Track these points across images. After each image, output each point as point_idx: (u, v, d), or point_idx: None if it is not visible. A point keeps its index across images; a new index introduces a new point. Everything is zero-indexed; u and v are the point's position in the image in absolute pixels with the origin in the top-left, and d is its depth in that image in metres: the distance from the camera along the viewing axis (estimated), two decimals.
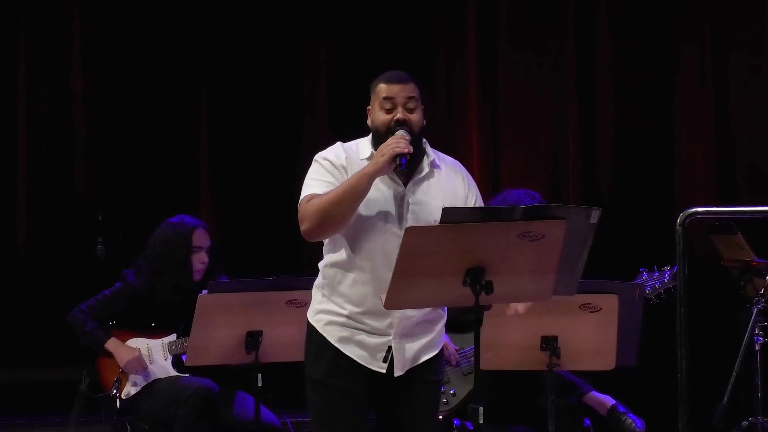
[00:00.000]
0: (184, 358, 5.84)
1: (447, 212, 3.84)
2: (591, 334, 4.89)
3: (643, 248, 7.02)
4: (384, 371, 4.21)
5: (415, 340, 4.25)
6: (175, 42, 8.10)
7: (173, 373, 6.03)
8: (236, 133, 8.15)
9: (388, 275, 3.92)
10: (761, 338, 5.90)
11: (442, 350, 4.38)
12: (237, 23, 8.14)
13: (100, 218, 7.22)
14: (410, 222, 4.16)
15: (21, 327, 7.79)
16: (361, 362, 4.22)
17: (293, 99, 8.15)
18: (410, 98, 4.21)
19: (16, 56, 8.03)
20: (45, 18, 8.05)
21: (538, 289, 4.03)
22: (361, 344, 4.21)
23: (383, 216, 4.17)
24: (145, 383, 6.01)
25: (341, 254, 4.22)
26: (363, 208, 4.14)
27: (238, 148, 8.14)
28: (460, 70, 7.97)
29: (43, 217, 8.00)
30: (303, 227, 4.16)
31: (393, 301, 3.96)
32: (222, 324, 5.26)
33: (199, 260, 6.09)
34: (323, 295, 4.29)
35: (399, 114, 4.20)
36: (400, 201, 4.20)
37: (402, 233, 3.96)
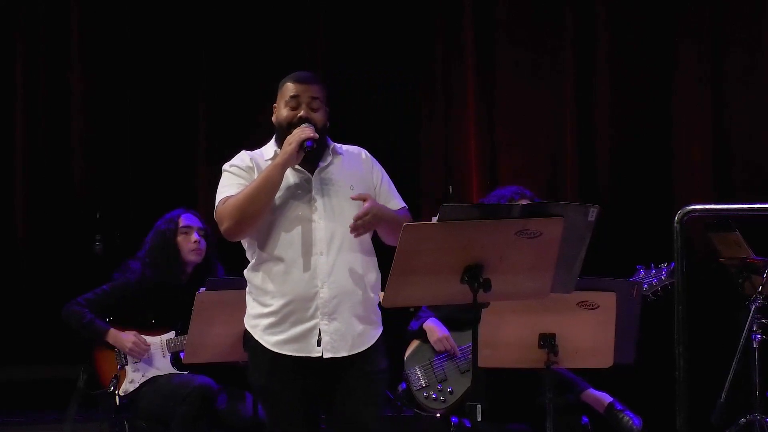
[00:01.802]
0: (182, 355, 5.84)
1: (445, 209, 3.86)
2: (589, 332, 4.88)
3: (640, 246, 7.02)
4: (320, 355, 4.23)
5: (343, 321, 4.26)
6: (174, 41, 8.11)
7: (172, 370, 6.03)
8: (235, 132, 8.15)
9: (309, 259, 4.14)
10: (759, 336, 5.90)
11: (379, 341, 4.36)
12: (237, 23, 8.14)
13: (98, 215, 7.22)
14: (321, 205, 4.28)
15: (19, 324, 7.79)
16: (298, 354, 4.24)
17: None
18: (314, 98, 4.37)
19: (15, 53, 8.04)
20: (44, 16, 8.06)
21: (536, 286, 4.04)
22: (293, 336, 4.25)
23: (294, 205, 4.30)
24: (143, 380, 6.02)
25: (259, 252, 4.32)
26: (274, 201, 4.26)
27: (236, 146, 8.11)
28: (457, 68, 7.97)
29: (41, 214, 8.01)
30: (223, 227, 4.30)
31: (391, 299, 3.97)
32: (220, 321, 5.26)
33: (190, 240, 6.10)
34: (252, 299, 4.36)
35: (302, 111, 4.35)
36: (308, 188, 4.32)
37: (314, 217, 4.21)
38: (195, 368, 5.88)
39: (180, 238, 6.12)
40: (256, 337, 4.32)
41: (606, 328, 4.89)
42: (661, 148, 7.58)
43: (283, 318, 4.27)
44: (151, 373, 6.03)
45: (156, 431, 5.96)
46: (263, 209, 4.24)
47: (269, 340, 4.28)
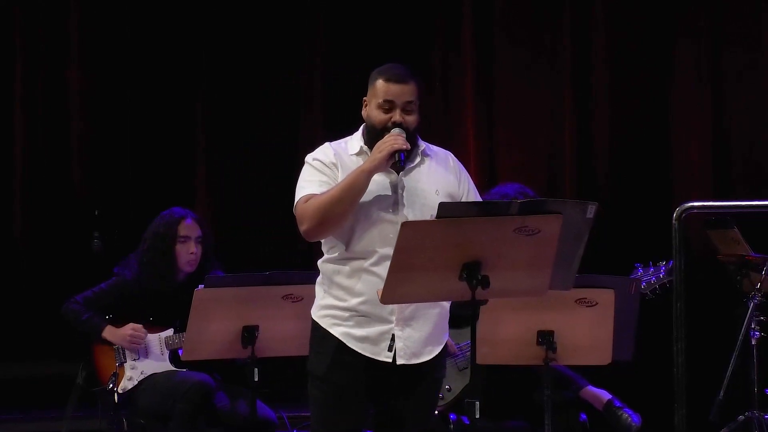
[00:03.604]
0: (180, 352, 5.85)
1: (443, 207, 3.86)
2: (587, 329, 4.89)
3: (639, 243, 7.03)
4: (390, 360, 4.21)
5: (418, 328, 4.25)
6: (174, 41, 8.10)
7: (170, 367, 6.03)
8: (234, 130, 8.15)
9: (388, 262, 3.98)
10: (757, 333, 5.90)
11: (445, 347, 4.39)
12: (237, 22, 8.13)
13: (96, 213, 7.21)
14: (406, 208, 4.22)
15: (18, 321, 7.79)
16: (366, 354, 4.22)
17: (291, 97, 8.16)
18: (409, 102, 4.25)
19: (14, 53, 8.03)
20: (43, 14, 8.04)
21: (535, 283, 4.04)
22: (364, 336, 4.23)
23: (379, 205, 4.21)
24: (142, 377, 6.02)
25: (339, 248, 4.26)
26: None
27: (235, 144, 8.14)
28: (456, 66, 7.97)
29: (40, 211, 8.01)
30: (303, 227, 4.21)
31: (389, 296, 3.98)
32: (218, 318, 5.26)
33: (188, 250, 6.10)
34: (324, 291, 4.32)
35: (397, 116, 4.24)
36: (395, 189, 4.24)
37: (398, 220, 4.09)
38: (193, 365, 5.88)
39: (178, 247, 6.11)
40: (325, 326, 4.27)
41: (604, 325, 4.89)
42: (659, 147, 7.59)
43: (357, 316, 4.22)
44: (150, 370, 6.03)
45: (154, 428, 5.97)
46: (346, 214, 4.16)
47: (338, 330, 4.24)
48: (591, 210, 3.99)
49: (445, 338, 4.39)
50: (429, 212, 4.19)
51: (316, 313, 4.34)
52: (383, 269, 4.07)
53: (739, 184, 7.40)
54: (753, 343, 5.92)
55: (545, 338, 4.87)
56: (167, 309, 6.03)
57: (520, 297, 4.48)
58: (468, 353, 5.52)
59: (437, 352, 4.32)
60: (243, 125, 8.15)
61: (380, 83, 4.28)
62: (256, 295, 5.24)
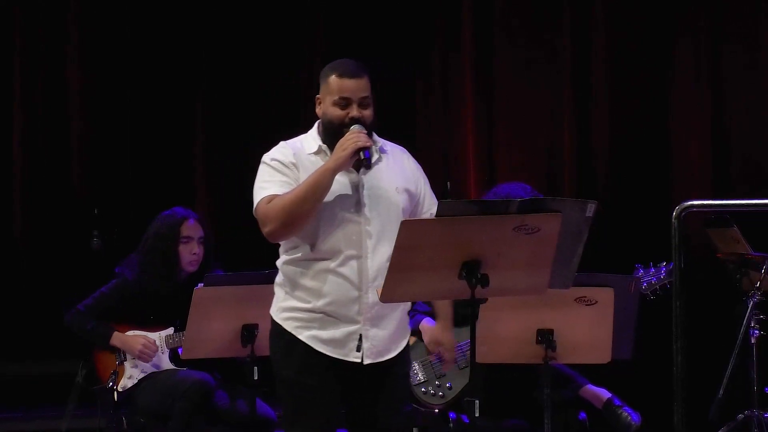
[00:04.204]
0: (180, 351, 5.85)
1: (443, 206, 3.87)
2: (587, 328, 4.89)
3: (639, 242, 7.04)
4: (359, 360, 4.21)
5: (384, 327, 4.25)
6: (174, 41, 8.11)
7: (170, 366, 6.04)
8: (234, 130, 8.16)
9: (355, 261, 4.07)
10: (757, 332, 5.90)
11: (408, 343, 4.38)
12: (237, 22, 8.14)
13: (96, 212, 7.22)
14: (368, 207, 4.21)
15: (18, 320, 7.80)
16: (335, 355, 4.21)
17: (291, 97, 8.15)
18: (365, 97, 4.24)
19: (13, 52, 8.04)
20: (43, 14, 8.05)
21: (534, 282, 4.04)
22: (332, 338, 4.21)
23: (342, 205, 4.20)
24: (142, 376, 6.02)
25: (303, 249, 4.23)
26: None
27: (235, 144, 8.14)
28: (456, 66, 7.98)
29: (40, 210, 8.01)
30: (267, 229, 4.19)
31: (389, 295, 3.98)
32: (218, 317, 5.26)
33: (190, 251, 6.09)
34: (285, 293, 4.29)
35: (354, 112, 4.22)
36: (356, 188, 4.22)
37: (361, 220, 4.12)
38: (193, 364, 5.88)
39: (180, 248, 6.10)
40: (290, 329, 4.24)
41: (604, 324, 4.89)
42: (659, 146, 7.59)
43: (322, 317, 4.21)
44: (150, 369, 6.03)
45: (154, 427, 5.97)
46: (311, 214, 4.13)
47: (305, 334, 4.22)
48: (590, 209, 3.99)
49: (408, 332, 4.38)
50: (392, 210, 4.22)
51: (278, 315, 4.30)
52: (349, 270, 4.13)
53: (738, 183, 7.41)
54: (752, 341, 5.92)
55: (545, 337, 4.87)
56: (167, 308, 6.03)
57: (519, 296, 4.47)
58: (468, 352, 5.52)
59: (402, 347, 4.32)
60: (243, 125, 8.16)
61: (334, 79, 4.27)
62: (256, 293, 5.22)
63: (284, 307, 4.29)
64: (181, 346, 5.88)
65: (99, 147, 8.09)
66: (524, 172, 7.52)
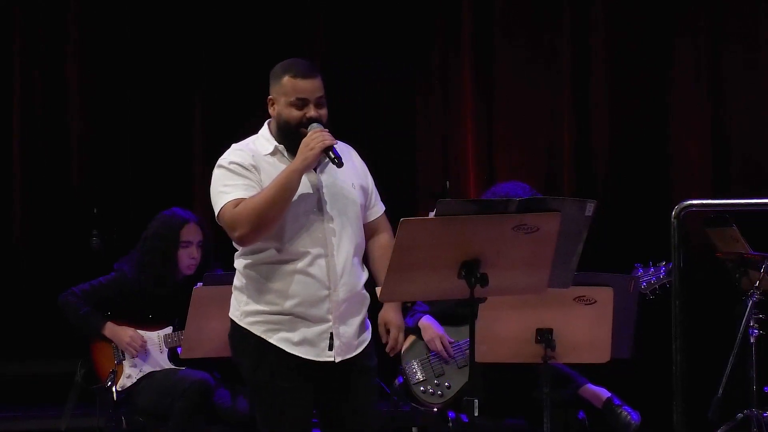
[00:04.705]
0: (179, 350, 5.85)
1: (442, 205, 3.86)
2: (586, 327, 4.89)
3: (638, 241, 7.04)
4: (332, 359, 4.20)
5: (350, 323, 4.25)
6: (174, 40, 8.11)
7: (169, 365, 6.04)
8: (234, 130, 8.12)
9: (321, 260, 4.09)
10: (756, 331, 5.90)
11: (371, 337, 4.37)
12: (237, 22, 8.14)
13: (95, 211, 7.22)
14: (329, 206, 4.21)
15: (17, 319, 7.80)
16: (308, 356, 4.20)
17: None
18: (321, 96, 4.26)
19: (13, 52, 8.04)
20: (43, 14, 8.05)
21: (533, 281, 4.04)
22: (302, 339, 4.19)
23: (305, 206, 4.18)
24: (140, 375, 6.02)
25: (269, 251, 4.20)
26: None
27: (234, 143, 8.13)
28: (456, 66, 7.98)
29: (39, 210, 8.01)
30: (238, 233, 4.14)
31: (388, 294, 3.98)
32: (217, 316, 5.23)
33: (189, 255, 6.09)
34: (249, 297, 4.25)
35: (312, 112, 4.23)
36: (316, 188, 4.22)
37: (324, 218, 4.14)
38: (192, 363, 5.88)
39: (180, 252, 6.10)
40: (258, 333, 4.20)
41: (603, 323, 4.89)
42: (658, 145, 7.59)
43: (291, 319, 4.18)
44: (149, 368, 6.03)
45: (153, 427, 5.97)
46: (280, 216, 4.11)
47: (274, 337, 4.19)
48: (589, 208, 4.00)
49: (369, 324, 4.37)
50: (350, 207, 4.24)
51: (244, 320, 4.25)
52: (317, 269, 4.14)
53: (738, 182, 7.41)
54: (752, 341, 5.91)
55: (544, 336, 4.88)
56: (166, 307, 6.03)
57: (518, 295, 4.48)
58: (467, 351, 5.53)
59: (368, 341, 4.32)
60: (243, 125, 8.13)
61: (288, 80, 4.29)
62: None
63: (249, 311, 4.24)
64: (179, 345, 5.89)
65: (98, 147, 8.09)
66: (524, 172, 7.53)
